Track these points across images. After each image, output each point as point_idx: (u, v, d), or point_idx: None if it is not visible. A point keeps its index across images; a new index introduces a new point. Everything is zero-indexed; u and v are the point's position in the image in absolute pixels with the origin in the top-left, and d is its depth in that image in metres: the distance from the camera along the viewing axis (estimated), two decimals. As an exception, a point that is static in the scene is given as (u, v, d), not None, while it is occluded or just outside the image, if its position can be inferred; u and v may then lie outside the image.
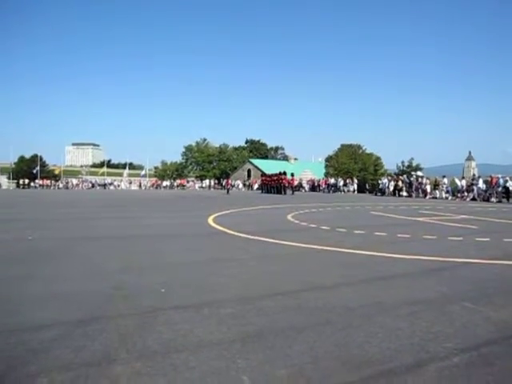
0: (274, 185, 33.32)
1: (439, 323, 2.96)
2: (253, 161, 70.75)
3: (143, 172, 70.67)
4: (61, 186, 58.35)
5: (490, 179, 23.87)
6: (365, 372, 2.20)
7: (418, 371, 2.21)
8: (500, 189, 22.67)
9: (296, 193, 33.43)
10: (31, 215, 12.58)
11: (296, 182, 38.90)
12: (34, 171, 61.70)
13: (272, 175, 34.95)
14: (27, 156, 75.58)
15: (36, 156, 70.07)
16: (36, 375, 2.14)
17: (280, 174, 32.78)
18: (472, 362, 2.33)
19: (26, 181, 58.58)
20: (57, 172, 75.49)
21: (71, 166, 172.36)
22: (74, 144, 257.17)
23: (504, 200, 22.12)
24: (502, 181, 22.75)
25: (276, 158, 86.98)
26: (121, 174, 76.80)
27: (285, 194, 30.77)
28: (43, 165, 70.65)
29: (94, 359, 2.33)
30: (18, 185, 58.01)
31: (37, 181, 58.93)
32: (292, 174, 33.08)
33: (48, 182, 60.09)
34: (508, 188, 22.39)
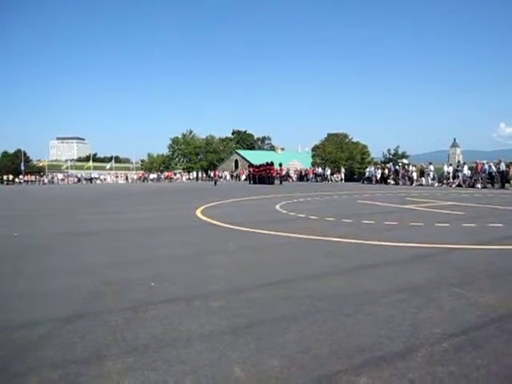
0: (262, 175, 33.33)
1: (428, 309, 2.99)
2: (240, 152, 70.56)
3: (131, 166, 70.03)
4: (46, 181, 57.43)
5: (475, 165, 24.18)
6: (356, 360, 2.22)
7: (409, 357, 2.24)
8: (485, 175, 22.98)
9: (284, 183, 33.46)
10: (16, 212, 12.39)
11: (284, 172, 38.97)
12: (21, 168, 60.45)
13: (260, 166, 34.92)
14: (10, 151, 74.04)
15: (19, 151, 68.66)
16: (25, 374, 2.11)
17: (268, 164, 32.79)
18: (461, 347, 2.36)
19: (10, 177, 57.59)
20: (41, 164, 74.11)
21: (56, 160, 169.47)
22: (58, 138, 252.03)
23: (489, 186, 22.44)
24: (486, 167, 23.05)
25: (263, 149, 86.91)
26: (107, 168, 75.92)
27: (273, 184, 30.82)
28: (27, 160, 69.23)
29: (85, 356, 2.31)
30: (1, 181, 57.01)
31: (21, 176, 57.94)
32: (280, 164, 33.15)
33: (32, 177, 59.12)
34: (492, 174, 22.69)
